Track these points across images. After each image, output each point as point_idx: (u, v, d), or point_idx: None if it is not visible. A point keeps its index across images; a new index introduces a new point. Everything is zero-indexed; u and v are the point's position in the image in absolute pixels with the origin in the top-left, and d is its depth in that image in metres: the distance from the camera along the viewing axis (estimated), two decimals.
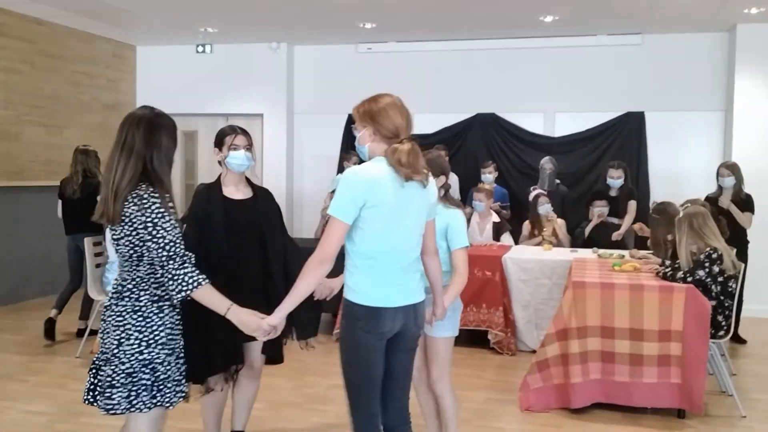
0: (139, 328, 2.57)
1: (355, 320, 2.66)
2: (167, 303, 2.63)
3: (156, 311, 2.60)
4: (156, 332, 2.59)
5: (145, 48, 9.83)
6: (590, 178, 8.42)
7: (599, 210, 6.87)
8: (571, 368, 4.46)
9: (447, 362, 3.47)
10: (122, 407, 2.57)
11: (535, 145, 8.59)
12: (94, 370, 2.69)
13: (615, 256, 5.78)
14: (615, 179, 6.89)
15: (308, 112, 9.38)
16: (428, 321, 3.07)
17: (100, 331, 2.69)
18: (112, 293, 2.65)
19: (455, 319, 3.45)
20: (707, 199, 6.32)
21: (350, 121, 9.37)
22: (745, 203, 6.29)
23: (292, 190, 9.54)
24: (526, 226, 7.09)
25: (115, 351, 2.57)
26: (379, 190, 2.60)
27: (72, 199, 6.36)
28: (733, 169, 6.38)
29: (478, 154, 8.59)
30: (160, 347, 2.59)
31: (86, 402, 2.70)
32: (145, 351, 2.56)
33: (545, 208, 6.91)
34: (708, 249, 4.51)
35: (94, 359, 2.71)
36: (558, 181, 7.62)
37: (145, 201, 2.52)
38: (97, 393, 2.66)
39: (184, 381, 2.72)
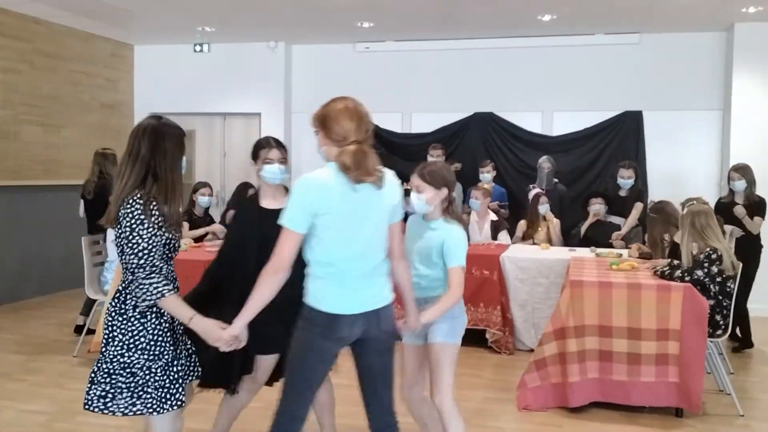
0: (122, 331, 2.63)
1: (314, 325, 2.63)
2: (152, 310, 2.65)
3: (138, 317, 2.63)
4: (136, 337, 2.62)
5: (143, 47, 9.82)
6: (588, 177, 8.43)
7: (596, 208, 6.88)
8: (568, 367, 4.46)
9: (444, 372, 3.21)
10: (95, 405, 2.63)
11: (533, 144, 8.59)
12: None
13: (613, 255, 5.78)
14: (626, 179, 6.89)
15: (306, 111, 9.17)
16: (400, 329, 2.95)
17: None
18: (115, 293, 2.70)
19: (453, 325, 3.23)
20: (719, 203, 6.25)
21: None
22: (757, 207, 6.06)
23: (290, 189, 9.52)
24: (521, 226, 7.09)
25: (102, 349, 2.66)
26: (328, 197, 2.55)
27: (88, 199, 6.51)
28: (743, 171, 6.11)
29: (476, 153, 8.59)
30: (140, 353, 2.62)
31: None
32: (126, 354, 2.61)
33: (545, 207, 6.92)
34: (708, 249, 4.52)
35: None
36: (556, 180, 7.63)
37: (128, 206, 2.58)
38: None
39: (178, 389, 2.69)
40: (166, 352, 2.66)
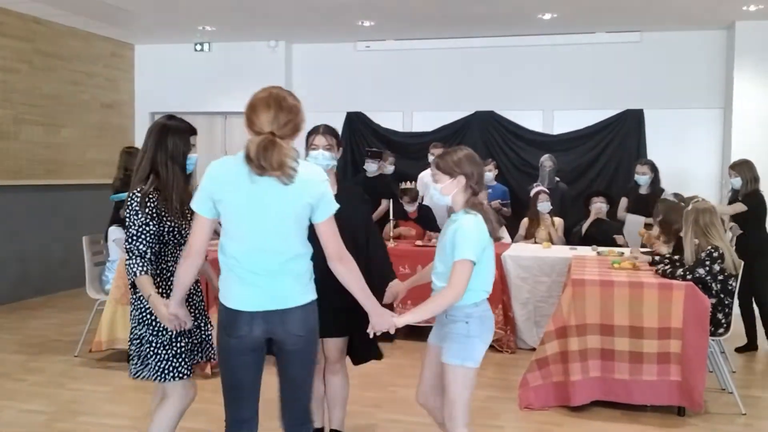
0: (135, 307, 2.96)
1: (220, 322, 2.57)
2: (156, 291, 2.87)
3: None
4: (144, 313, 2.92)
5: (143, 47, 9.82)
6: (589, 176, 8.43)
7: (597, 207, 6.88)
8: (570, 366, 4.45)
9: (455, 398, 2.82)
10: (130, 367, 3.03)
11: (534, 142, 8.59)
12: None
13: (615, 254, 5.76)
14: (641, 175, 6.87)
15: (306, 110, 9.04)
16: (370, 330, 2.76)
17: None
18: None
19: (466, 346, 2.83)
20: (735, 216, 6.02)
21: (349, 119, 9.46)
22: (746, 198, 5.86)
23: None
24: (524, 224, 7.08)
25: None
26: (223, 183, 2.48)
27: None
28: (739, 168, 5.98)
29: (477, 152, 8.52)
30: (146, 327, 2.92)
31: None
32: (138, 327, 2.95)
33: (545, 206, 6.90)
34: (709, 247, 4.51)
35: None
36: (558, 178, 7.62)
37: (129, 199, 2.90)
38: None
39: (181, 363, 2.91)
40: (168, 329, 2.87)
